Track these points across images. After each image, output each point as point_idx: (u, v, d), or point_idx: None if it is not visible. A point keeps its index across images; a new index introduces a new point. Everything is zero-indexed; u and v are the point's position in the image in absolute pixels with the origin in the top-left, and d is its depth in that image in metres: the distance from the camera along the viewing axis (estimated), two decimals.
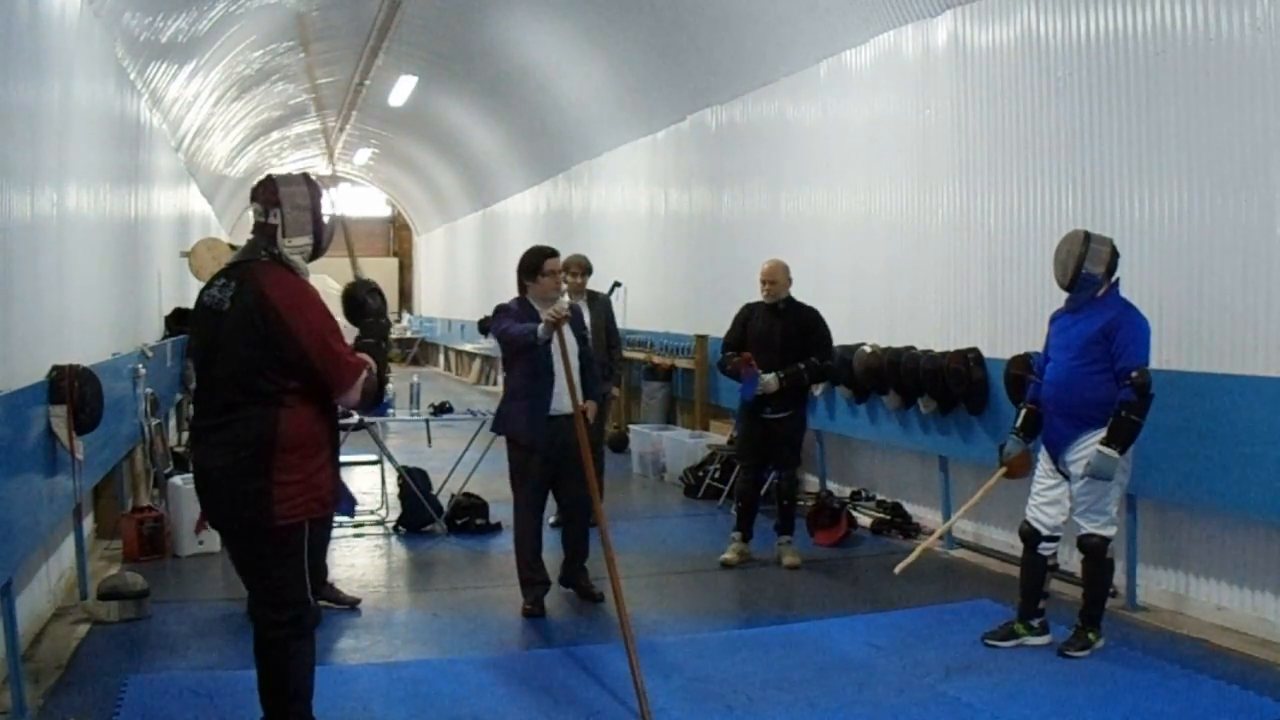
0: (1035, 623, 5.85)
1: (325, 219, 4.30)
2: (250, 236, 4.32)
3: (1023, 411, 5.98)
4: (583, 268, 8.46)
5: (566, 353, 6.17)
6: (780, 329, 7.52)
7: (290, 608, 4.17)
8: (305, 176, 4.36)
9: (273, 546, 4.15)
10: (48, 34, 6.27)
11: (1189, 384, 5.98)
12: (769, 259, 7.78)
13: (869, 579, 7.43)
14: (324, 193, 4.35)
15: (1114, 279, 5.67)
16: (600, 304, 8.68)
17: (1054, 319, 5.90)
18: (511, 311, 6.45)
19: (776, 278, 7.57)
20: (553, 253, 6.58)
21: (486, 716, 4.93)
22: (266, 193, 4.25)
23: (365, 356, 4.29)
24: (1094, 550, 5.63)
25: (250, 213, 4.38)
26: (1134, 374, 5.40)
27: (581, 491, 6.26)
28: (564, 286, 7.84)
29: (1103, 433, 5.45)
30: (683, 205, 13.21)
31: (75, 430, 5.64)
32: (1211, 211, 6.02)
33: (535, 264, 6.49)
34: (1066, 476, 5.68)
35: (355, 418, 8.95)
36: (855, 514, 8.88)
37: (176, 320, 11.55)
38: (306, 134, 22.78)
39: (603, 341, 8.28)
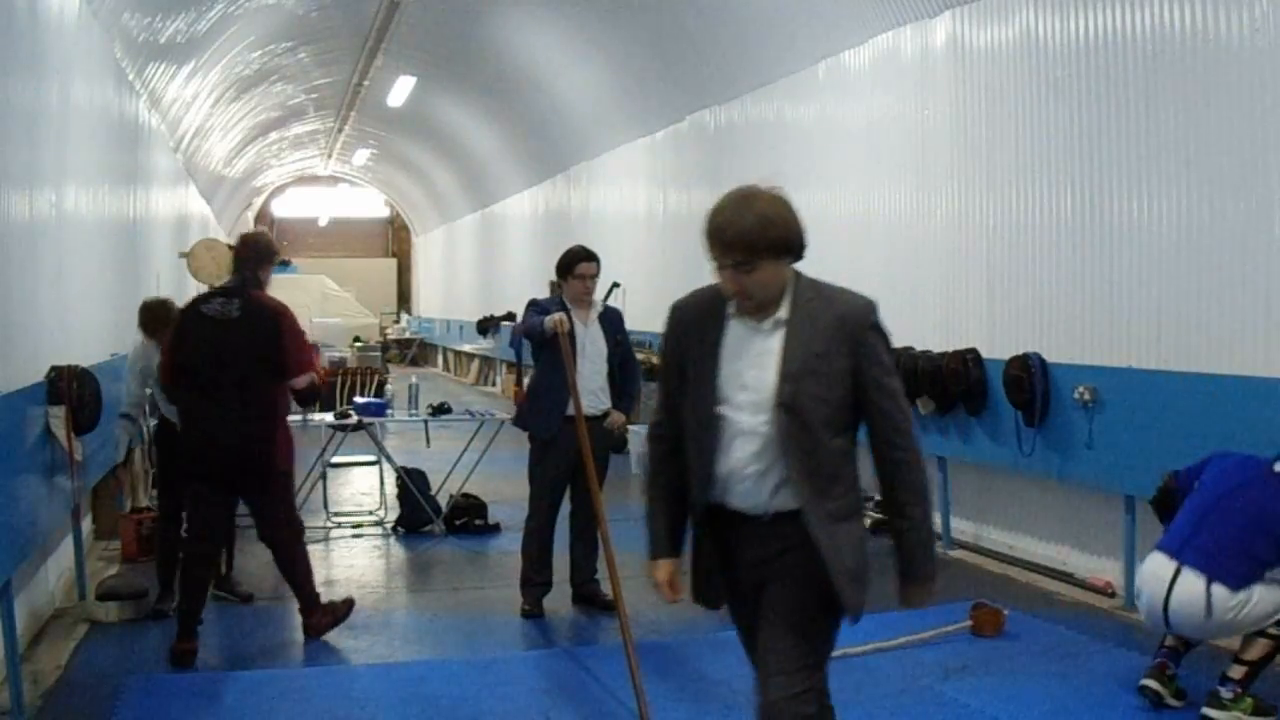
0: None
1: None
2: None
3: None
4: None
5: (576, 354, 6.18)
6: None
7: None
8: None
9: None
10: (46, 34, 6.27)
11: (1188, 384, 5.98)
12: None
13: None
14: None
15: None
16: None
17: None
18: (538, 305, 6.48)
19: None
20: (588, 255, 6.50)
21: (486, 717, 4.93)
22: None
23: None
24: None
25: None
26: None
27: (589, 499, 6.22)
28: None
29: None
30: (681, 206, 13.20)
31: (74, 431, 5.65)
32: (1209, 212, 6.02)
33: (568, 264, 6.50)
34: None
35: (354, 418, 8.96)
36: None
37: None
38: (305, 134, 22.78)
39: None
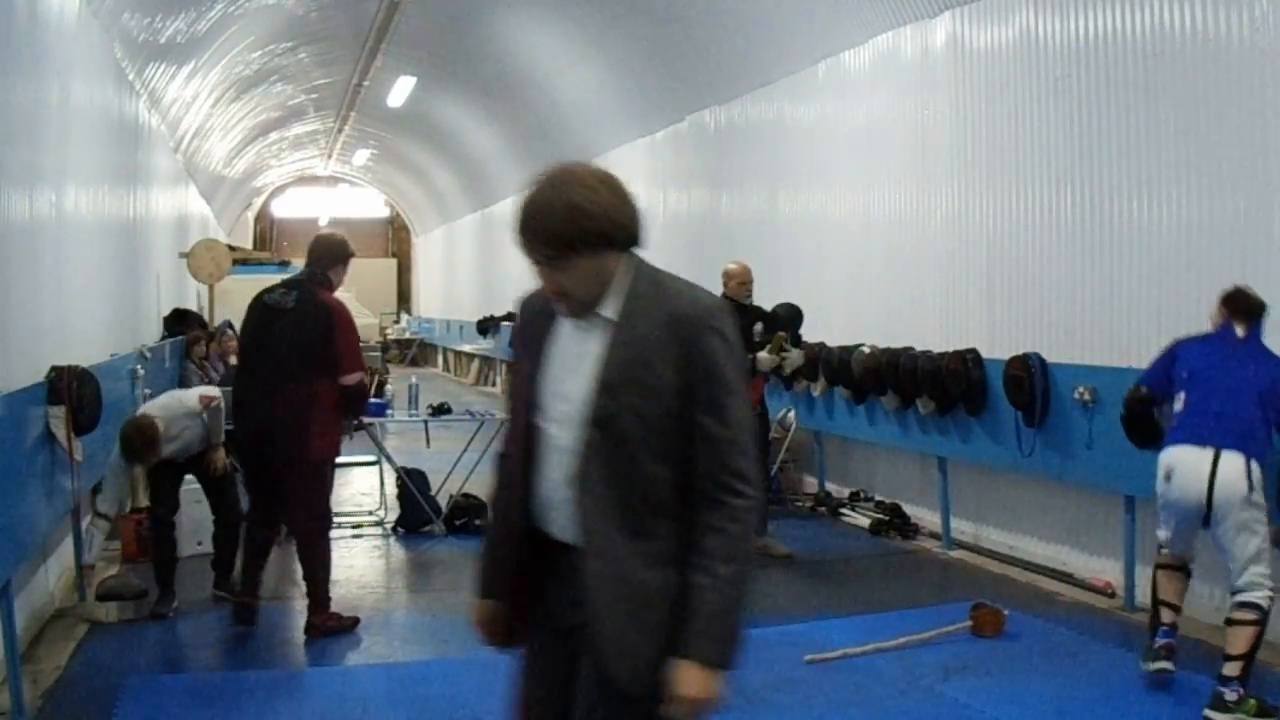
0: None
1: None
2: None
3: None
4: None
5: None
6: (748, 325, 7.89)
7: None
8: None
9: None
10: (46, 34, 6.27)
11: None
12: (737, 261, 8.04)
13: (867, 579, 7.43)
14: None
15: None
16: None
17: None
18: None
19: (749, 279, 7.94)
20: None
21: (486, 717, 4.92)
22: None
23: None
24: None
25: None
26: None
27: None
28: None
29: None
30: (681, 206, 13.21)
31: (74, 431, 5.64)
32: (1209, 211, 6.02)
33: None
34: None
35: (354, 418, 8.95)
36: (854, 515, 8.90)
37: (175, 321, 11.52)
38: (305, 134, 22.78)
39: None
